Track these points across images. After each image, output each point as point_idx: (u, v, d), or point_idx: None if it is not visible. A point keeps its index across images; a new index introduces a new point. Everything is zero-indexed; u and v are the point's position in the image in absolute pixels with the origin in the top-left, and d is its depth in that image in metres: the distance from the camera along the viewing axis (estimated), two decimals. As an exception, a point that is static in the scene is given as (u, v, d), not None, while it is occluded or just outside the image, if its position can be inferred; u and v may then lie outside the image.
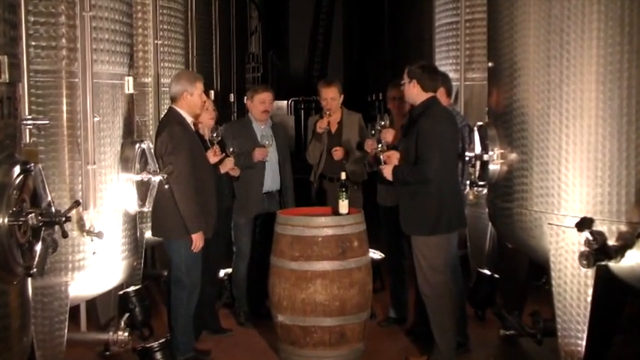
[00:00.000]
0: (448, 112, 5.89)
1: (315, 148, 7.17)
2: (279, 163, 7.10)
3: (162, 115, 6.29)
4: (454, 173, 5.71)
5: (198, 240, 5.64)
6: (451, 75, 7.13)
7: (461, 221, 5.80)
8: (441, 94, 5.95)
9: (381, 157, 5.82)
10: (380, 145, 5.90)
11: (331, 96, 7.11)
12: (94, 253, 5.05)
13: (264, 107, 6.99)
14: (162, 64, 7.01)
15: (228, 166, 6.37)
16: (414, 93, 5.67)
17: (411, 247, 5.79)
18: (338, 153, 7.06)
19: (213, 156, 6.17)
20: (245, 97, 7.16)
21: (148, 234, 6.57)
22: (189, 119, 5.78)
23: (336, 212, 6.09)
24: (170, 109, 5.83)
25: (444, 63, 7.60)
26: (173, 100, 5.77)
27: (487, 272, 6.79)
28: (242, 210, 6.94)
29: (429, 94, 5.67)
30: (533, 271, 5.92)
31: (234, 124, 7.31)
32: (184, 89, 5.70)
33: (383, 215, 6.75)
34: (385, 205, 6.68)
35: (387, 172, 5.69)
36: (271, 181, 7.06)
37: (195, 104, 5.76)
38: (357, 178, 7.08)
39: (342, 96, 7.21)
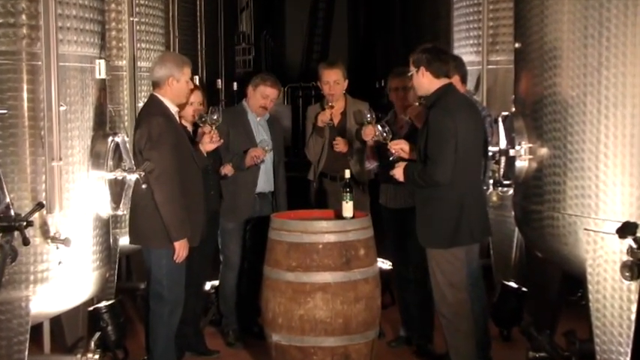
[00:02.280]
0: (467, 100, 5.86)
1: (316, 143, 7.16)
2: (273, 162, 7.07)
3: (142, 104, 6.27)
4: (476, 173, 5.69)
5: (181, 249, 5.62)
6: (472, 58, 7.13)
7: (485, 230, 5.78)
8: (455, 81, 5.93)
9: (391, 148, 5.78)
10: (384, 132, 5.84)
11: (334, 79, 7.09)
12: (59, 262, 5.03)
13: (264, 103, 6.98)
14: (139, 45, 7.00)
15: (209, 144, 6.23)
16: (426, 82, 5.64)
17: (418, 253, 5.78)
18: (340, 145, 7.02)
19: (208, 142, 6.11)
20: (249, 83, 7.11)
21: (123, 241, 6.55)
22: (174, 109, 5.76)
23: (339, 216, 6.08)
24: (151, 97, 5.80)
25: (464, 44, 7.58)
26: (155, 86, 5.75)
27: (513, 285, 6.78)
28: (231, 213, 6.93)
29: (443, 81, 5.63)
30: (566, 284, 5.89)
31: (228, 112, 7.29)
32: (170, 74, 5.67)
33: (386, 219, 6.76)
34: (388, 207, 6.67)
35: (399, 172, 5.65)
36: (265, 181, 7.05)
37: (181, 92, 5.74)
38: (363, 176, 7.05)
39: (347, 81, 7.19)
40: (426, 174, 5.50)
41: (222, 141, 6.24)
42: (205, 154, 6.14)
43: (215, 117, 6.15)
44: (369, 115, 6.43)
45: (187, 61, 5.85)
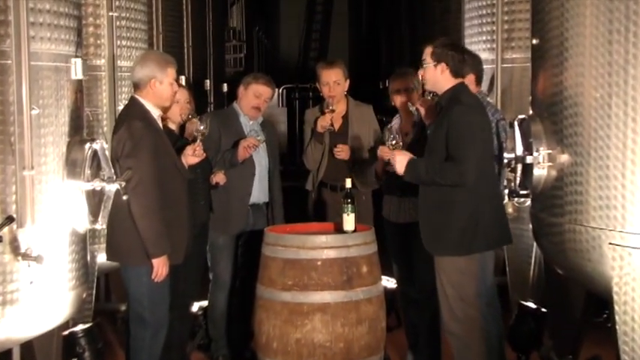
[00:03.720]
0: (478, 100, 5.88)
1: (315, 150, 7.16)
2: (269, 170, 7.06)
3: (122, 107, 6.25)
4: (492, 175, 5.68)
5: (160, 266, 5.61)
6: (485, 55, 7.12)
7: (503, 236, 5.77)
8: (469, 81, 5.94)
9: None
10: (393, 139, 5.80)
11: (334, 79, 7.11)
12: (31, 282, 5.00)
13: (257, 103, 7.01)
14: (119, 43, 6.97)
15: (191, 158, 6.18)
16: (441, 79, 5.66)
17: (425, 271, 5.80)
18: (341, 152, 7.03)
19: (191, 155, 6.10)
20: (240, 83, 7.12)
21: (101, 258, 6.52)
22: (156, 113, 5.76)
23: (339, 229, 6.08)
24: (132, 100, 5.81)
25: (476, 40, 7.58)
26: (136, 87, 5.76)
27: (532, 305, 6.77)
28: (221, 226, 6.94)
29: (458, 81, 5.66)
30: (590, 305, 5.88)
31: (218, 115, 7.30)
32: (152, 75, 5.68)
33: (390, 233, 6.77)
34: (391, 221, 6.68)
35: (400, 163, 5.62)
36: (259, 190, 7.06)
37: (164, 95, 5.75)
38: (366, 186, 7.04)
39: (348, 81, 7.19)
40: (453, 173, 5.49)
41: (205, 155, 6.20)
42: (187, 167, 6.09)
43: (202, 128, 6.13)
44: (394, 141, 6.11)
45: (172, 60, 5.85)
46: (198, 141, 6.14)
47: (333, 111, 7.04)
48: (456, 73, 5.66)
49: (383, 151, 6.04)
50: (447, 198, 5.57)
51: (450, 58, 5.63)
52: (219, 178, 6.68)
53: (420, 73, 5.78)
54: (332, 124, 7.08)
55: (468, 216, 5.56)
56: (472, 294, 5.61)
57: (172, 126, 6.42)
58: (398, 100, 6.69)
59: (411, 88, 6.55)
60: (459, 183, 5.51)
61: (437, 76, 5.67)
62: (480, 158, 5.51)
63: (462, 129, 5.49)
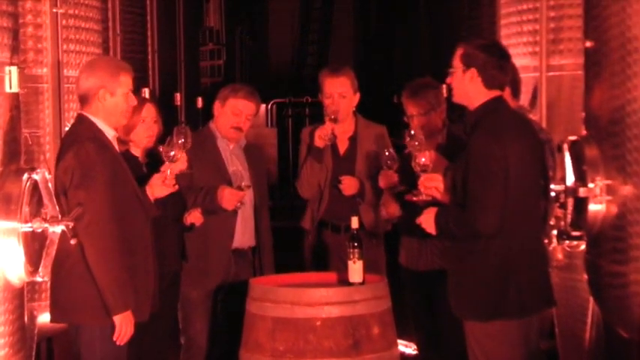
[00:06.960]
0: (521, 120, 5.82)
1: (312, 172, 7.15)
2: (254, 207, 7.04)
3: (68, 128, 6.25)
4: (532, 219, 5.64)
5: (123, 324, 5.58)
6: (526, 62, 7.13)
7: (543, 299, 5.74)
8: (505, 95, 5.92)
9: (421, 187, 5.75)
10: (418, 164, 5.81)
11: (340, 90, 7.13)
12: (-47, 349, 4.97)
13: (237, 122, 7.02)
14: (65, 47, 6.97)
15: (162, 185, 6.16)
16: (471, 89, 5.62)
17: (452, 331, 5.81)
18: (348, 185, 7.03)
19: (159, 185, 6.05)
20: (216, 98, 7.13)
21: (44, 318, 6.49)
22: (111, 133, 5.75)
23: (344, 280, 6.07)
24: (79, 118, 5.82)
25: (514, 43, 7.58)
26: (83, 102, 5.76)
27: (588, 376, 6.74)
28: (196, 277, 6.96)
29: (494, 93, 5.61)
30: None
31: (192, 137, 7.29)
32: (101, 85, 5.68)
33: (409, 285, 6.84)
34: (411, 269, 6.72)
35: (429, 221, 5.61)
36: (243, 232, 7.09)
37: (117, 109, 5.75)
38: (377, 227, 7.04)
39: (358, 95, 7.18)
40: (466, 221, 5.46)
41: (177, 187, 6.15)
42: (153, 201, 6.05)
43: (182, 140, 6.06)
44: (389, 161, 6.31)
45: (125, 66, 5.85)
46: (172, 163, 6.06)
47: (335, 120, 7.00)
48: (489, 83, 5.61)
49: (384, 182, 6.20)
50: (473, 247, 5.53)
51: (482, 63, 5.59)
52: (194, 217, 6.64)
53: (448, 80, 5.74)
54: (334, 134, 7.01)
55: (497, 271, 5.51)
56: (510, 362, 5.59)
57: (136, 152, 6.39)
58: (414, 125, 6.67)
59: (427, 110, 6.55)
60: (474, 233, 5.47)
61: (465, 85, 5.64)
62: (503, 201, 5.42)
63: (479, 164, 5.44)
